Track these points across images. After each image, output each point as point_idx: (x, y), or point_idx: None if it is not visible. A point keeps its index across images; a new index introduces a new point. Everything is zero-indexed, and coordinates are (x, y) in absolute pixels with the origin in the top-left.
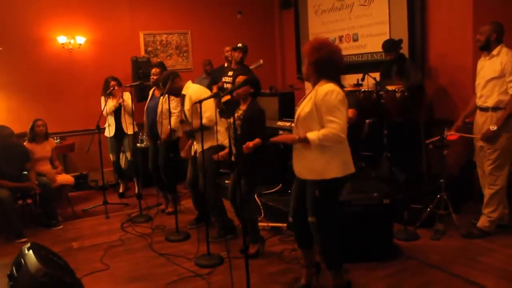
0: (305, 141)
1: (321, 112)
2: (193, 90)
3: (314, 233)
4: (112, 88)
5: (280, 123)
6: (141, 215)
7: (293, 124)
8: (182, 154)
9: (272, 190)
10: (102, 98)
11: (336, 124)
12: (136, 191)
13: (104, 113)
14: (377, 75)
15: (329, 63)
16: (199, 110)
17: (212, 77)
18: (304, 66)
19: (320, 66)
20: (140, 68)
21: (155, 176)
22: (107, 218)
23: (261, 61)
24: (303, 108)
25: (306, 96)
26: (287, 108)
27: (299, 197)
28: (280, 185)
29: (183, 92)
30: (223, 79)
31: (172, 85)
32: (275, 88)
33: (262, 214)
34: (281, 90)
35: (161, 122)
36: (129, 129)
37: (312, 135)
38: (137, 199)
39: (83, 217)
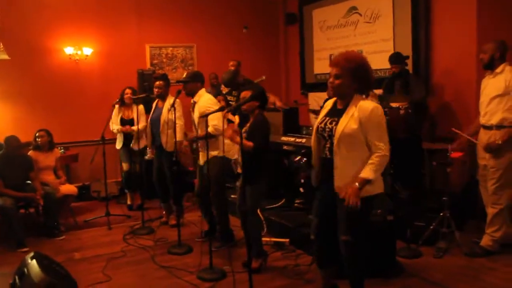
0: (364, 183)
1: (367, 130)
2: (202, 100)
3: (346, 253)
4: (117, 100)
5: (284, 138)
6: (143, 227)
7: (299, 140)
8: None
9: (275, 205)
10: (116, 108)
11: (384, 144)
12: (139, 201)
13: (111, 125)
14: (381, 92)
15: (370, 78)
16: (205, 121)
17: (217, 90)
18: (342, 80)
19: (363, 81)
20: (146, 80)
21: (159, 187)
22: (109, 229)
23: (264, 77)
24: (347, 124)
25: (326, 110)
26: (291, 123)
27: (325, 215)
28: (284, 200)
29: (195, 98)
30: (228, 97)
31: (192, 85)
32: (279, 106)
33: (265, 229)
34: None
35: (166, 132)
36: (137, 144)
37: (369, 173)
38: (139, 210)
39: (85, 228)
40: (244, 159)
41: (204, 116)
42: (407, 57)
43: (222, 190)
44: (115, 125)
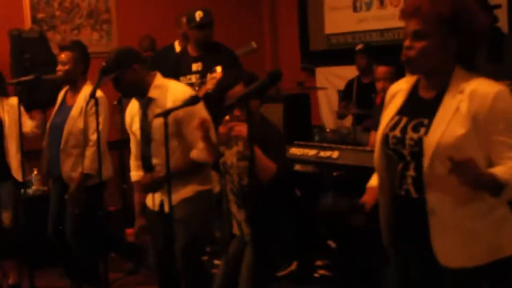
0: (493, 184)
1: (490, 135)
2: (176, 92)
3: None
4: None
5: (295, 151)
6: None
7: (325, 153)
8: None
9: (282, 273)
10: None
11: None
12: (13, 280)
13: None
14: None
15: (481, 32)
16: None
17: (152, 66)
18: (429, 42)
19: (470, 40)
20: (26, 50)
21: (61, 248)
22: None
23: (254, 45)
24: (447, 129)
25: (399, 103)
26: (299, 122)
27: None
28: (295, 263)
29: (153, 94)
30: (184, 79)
31: (128, 74)
32: (276, 87)
33: None
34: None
35: (71, 153)
36: (14, 171)
37: (508, 176)
38: None
39: None
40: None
41: (162, 115)
42: (498, 6)
43: (200, 256)
44: None
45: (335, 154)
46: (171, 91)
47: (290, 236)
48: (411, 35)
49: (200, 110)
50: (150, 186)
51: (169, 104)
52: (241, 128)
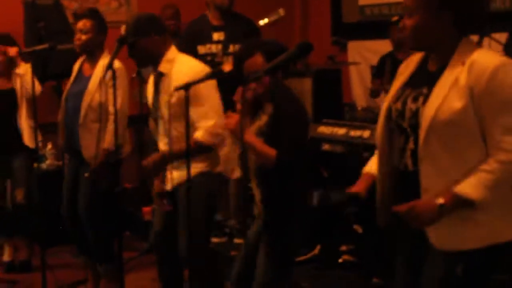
0: (457, 204)
1: (485, 111)
2: (183, 67)
3: None
4: None
5: (323, 130)
6: None
7: (356, 132)
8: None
9: (304, 257)
10: None
11: None
12: (23, 256)
13: None
14: (504, 37)
15: (482, 5)
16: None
17: (183, 40)
18: (418, 18)
19: (465, 11)
20: (40, 18)
21: (72, 226)
22: None
23: (282, 12)
24: (443, 102)
25: (406, 75)
26: (330, 99)
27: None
28: (318, 247)
29: (162, 68)
30: (204, 48)
31: (146, 42)
32: (304, 61)
33: None
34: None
35: (89, 127)
36: (26, 138)
37: (472, 189)
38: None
39: None
40: (264, 186)
41: (184, 87)
42: None
43: (207, 240)
44: None
45: (366, 133)
46: (177, 65)
47: (306, 222)
48: (405, 13)
49: (207, 90)
50: (151, 170)
51: (172, 81)
52: (231, 121)
